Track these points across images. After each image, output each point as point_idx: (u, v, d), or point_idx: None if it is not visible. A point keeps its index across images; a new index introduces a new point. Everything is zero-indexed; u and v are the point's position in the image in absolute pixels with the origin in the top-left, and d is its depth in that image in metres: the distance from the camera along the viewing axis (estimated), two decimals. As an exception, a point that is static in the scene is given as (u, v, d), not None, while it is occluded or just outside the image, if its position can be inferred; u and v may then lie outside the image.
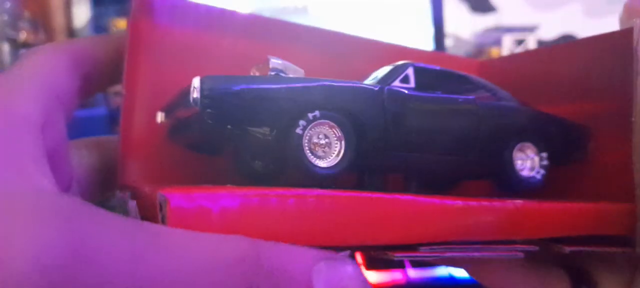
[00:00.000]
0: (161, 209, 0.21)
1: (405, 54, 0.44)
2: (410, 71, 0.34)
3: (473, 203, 0.28)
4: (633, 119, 0.33)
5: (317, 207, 0.24)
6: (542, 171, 0.37)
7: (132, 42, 0.33)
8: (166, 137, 0.35)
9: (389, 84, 0.33)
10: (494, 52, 1.79)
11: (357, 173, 0.34)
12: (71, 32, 1.82)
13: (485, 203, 0.29)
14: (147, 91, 0.35)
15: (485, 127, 0.34)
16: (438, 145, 0.33)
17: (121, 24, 1.65)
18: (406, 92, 0.33)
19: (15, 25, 1.70)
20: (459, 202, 0.28)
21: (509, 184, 0.36)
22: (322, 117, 0.29)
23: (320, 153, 0.30)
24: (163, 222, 0.21)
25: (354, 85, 0.32)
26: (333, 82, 0.31)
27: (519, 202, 0.31)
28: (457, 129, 0.34)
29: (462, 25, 1.96)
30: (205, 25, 0.37)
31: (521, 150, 0.37)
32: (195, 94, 0.27)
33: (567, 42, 0.39)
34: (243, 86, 0.28)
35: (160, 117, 0.33)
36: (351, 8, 1.56)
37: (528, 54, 0.46)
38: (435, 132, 0.33)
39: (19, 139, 0.22)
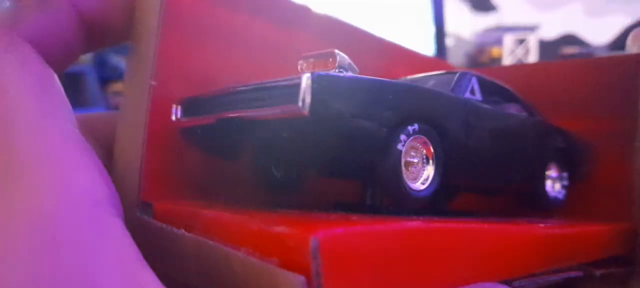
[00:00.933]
0: (314, 257, 0.18)
1: (407, 56, 0.44)
2: (474, 82, 0.33)
3: (556, 230, 0.29)
4: (637, 143, 0.34)
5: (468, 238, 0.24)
6: (564, 191, 0.37)
7: (167, 20, 0.28)
8: (184, 138, 0.29)
9: (463, 93, 0.32)
10: (495, 52, 1.78)
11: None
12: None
13: (557, 230, 0.29)
14: (181, 81, 0.30)
15: (531, 143, 0.34)
16: (496, 160, 0.33)
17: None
18: (479, 104, 0.32)
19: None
20: (548, 230, 0.28)
21: (539, 202, 0.36)
22: (419, 131, 0.27)
23: (412, 173, 0.27)
24: (317, 270, 0.18)
25: (443, 93, 0.29)
26: (422, 86, 0.29)
27: (572, 226, 0.31)
28: (512, 143, 0.33)
29: (463, 25, 1.96)
30: (238, 5, 0.33)
31: (549, 169, 0.37)
32: (305, 96, 0.23)
33: (572, 59, 0.39)
34: (354, 86, 0.25)
35: (177, 113, 0.28)
36: (352, 7, 1.56)
37: (523, 66, 0.46)
38: (498, 146, 0.32)
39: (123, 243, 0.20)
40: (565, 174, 0.37)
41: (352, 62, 0.26)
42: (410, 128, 0.26)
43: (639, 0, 1.95)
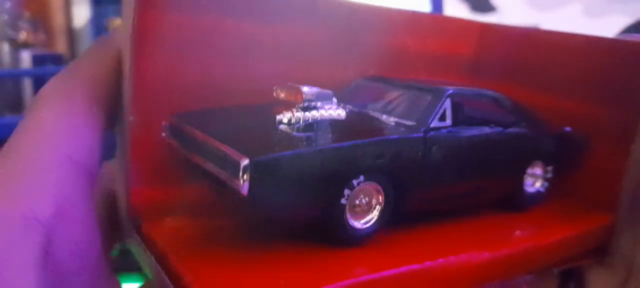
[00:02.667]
0: None
1: (402, 17, 0.40)
2: (447, 105, 0.32)
3: (502, 252, 0.29)
4: (634, 146, 0.33)
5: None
6: (547, 184, 0.37)
7: (140, 38, 0.27)
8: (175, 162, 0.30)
9: (428, 124, 0.31)
10: (494, 52, 1.79)
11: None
12: (71, 32, 1.82)
13: (506, 251, 0.30)
14: (161, 96, 0.30)
15: (509, 155, 0.35)
16: (464, 183, 0.33)
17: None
18: (446, 134, 0.31)
19: (15, 25, 1.70)
20: (496, 253, 0.29)
21: (516, 203, 0.36)
22: (366, 180, 0.27)
23: (359, 213, 0.28)
24: None
25: (399, 138, 0.29)
26: (375, 139, 0.28)
27: (531, 240, 0.32)
28: (487, 162, 0.34)
29: (462, 25, 1.96)
30: (205, 8, 0.32)
31: (531, 168, 0.37)
32: (244, 180, 0.24)
33: (580, 34, 0.38)
34: (287, 168, 0.25)
35: (167, 132, 0.29)
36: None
37: (536, 32, 0.43)
38: (468, 169, 0.32)
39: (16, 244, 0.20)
40: (550, 168, 0.37)
41: (323, 91, 0.27)
42: (355, 182, 0.27)
43: (639, 1, 1.95)
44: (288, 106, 0.27)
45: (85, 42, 1.77)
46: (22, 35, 1.71)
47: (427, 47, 0.40)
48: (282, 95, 0.28)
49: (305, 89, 0.27)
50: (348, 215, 0.27)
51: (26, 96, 1.59)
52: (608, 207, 0.34)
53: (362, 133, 0.29)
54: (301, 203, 0.26)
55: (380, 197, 0.28)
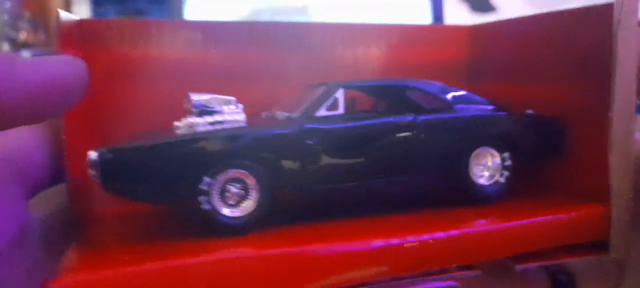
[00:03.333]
0: None
1: (383, 30, 0.41)
2: (339, 94, 0.32)
3: (411, 239, 0.27)
4: (610, 114, 0.30)
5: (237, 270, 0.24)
6: (507, 173, 0.34)
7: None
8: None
9: (313, 114, 0.31)
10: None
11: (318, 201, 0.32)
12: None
13: (426, 237, 0.28)
14: (91, 124, 0.33)
15: (427, 145, 0.32)
16: (370, 172, 0.31)
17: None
18: (327, 127, 0.30)
19: (15, 25, 1.70)
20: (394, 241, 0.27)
21: (468, 195, 0.33)
22: (234, 168, 0.28)
23: (232, 202, 0.29)
24: None
25: (266, 133, 0.30)
26: (238, 130, 0.29)
27: (475, 226, 0.29)
28: (390, 152, 0.32)
29: (462, 25, 1.96)
30: (137, 40, 0.35)
31: (480, 156, 0.34)
32: (97, 171, 0.27)
33: (553, 12, 0.35)
34: (133, 160, 0.27)
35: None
36: (351, 8, 1.57)
37: (523, 19, 0.40)
38: (363, 160, 0.31)
39: None
40: (506, 155, 0.34)
41: (219, 97, 0.30)
42: (214, 170, 0.28)
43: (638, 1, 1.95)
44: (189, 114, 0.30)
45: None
46: (22, 35, 1.72)
47: (399, 55, 0.41)
48: (187, 105, 0.30)
49: (194, 96, 0.29)
50: (217, 204, 0.28)
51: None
52: (593, 198, 0.32)
53: (238, 129, 0.29)
54: (157, 190, 0.28)
55: (252, 185, 0.29)
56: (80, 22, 0.33)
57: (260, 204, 0.29)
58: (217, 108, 0.30)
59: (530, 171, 0.37)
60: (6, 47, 1.72)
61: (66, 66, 0.24)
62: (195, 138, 0.28)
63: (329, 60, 0.38)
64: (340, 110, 0.32)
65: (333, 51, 0.39)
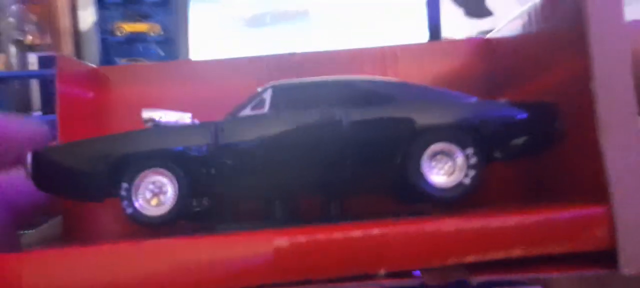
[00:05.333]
0: None
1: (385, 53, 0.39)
2: (267, 95, 0.31)
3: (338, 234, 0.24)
4: (591, 86, 0.25)
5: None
6: (473, 172, 0.29)
7: (64, 113, 0.34)
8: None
9: (237, 114, 0.31)
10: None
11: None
12: (77, 35, 1.85)
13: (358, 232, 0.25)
14: None
15: (358, 139, 0.30)
16: (290, 173, 0.30)
17: (126, 27, 1.68)
18: (241, 124, 0.30)
19: (21, 28, 1.73)
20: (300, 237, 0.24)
21: (422, 197, 0.29)
22: (152, 168, 0.29)
23: (153, 201, 0.29)
24: None
25: (180, 129, 0.31)
26: (152, 130, 0.30)
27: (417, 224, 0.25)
28: (316, 150, 0.29)
29: (458, 30, 1.99)
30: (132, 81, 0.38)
31: (436, 152, 0.29)
32: (30, 170, 0.29)
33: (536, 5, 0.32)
34: (56, 158, 0.29)
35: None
36: (350, 11, 1.59)
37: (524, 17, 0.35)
38: (284, 158, 0.30)
39: None
40: (469, 151, 0.29)
41: (173, 113, 0.31)
42: (135, 168, 0.29)
43: (637, 2, 1.98)
44: None
45: (91, 45, 1.81)
46: (29, 38, 1.74)
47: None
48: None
49: (145, 111, 0.31)
50: (137, 202, 0.29)
51: (33, 97, 1.62)
52: (587, 198, 0.26)
53: (155, 129, 0.31)
54: (79, 190, 0.30)
55: (172, 186, 0.30)
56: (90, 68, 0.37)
57: (180, 198, 0.30)
58: (166, 122, 0.31)
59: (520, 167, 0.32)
60: (14, 49, 1.74)
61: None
62: (112, 137, 0.30)
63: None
64: (265, 109, 0.31)
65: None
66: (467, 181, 0.29)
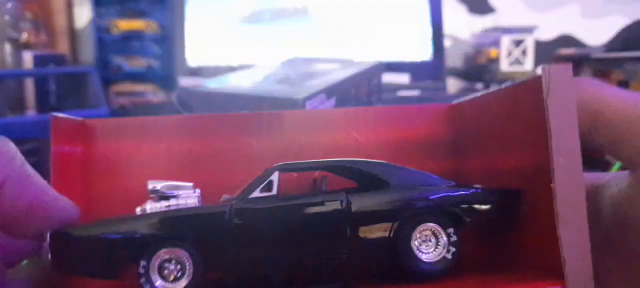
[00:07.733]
0: None
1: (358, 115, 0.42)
2: (275, 177, 0.33)
3: None
4: (553, 185, 0.29)
5: None
6: (453, 249, 0.33)
7: (58, 168, 0.35)
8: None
9: (247, 196, 0.33)
10: (493, 53, 1.80)
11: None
12: (73, 33, 1.83)
13: None
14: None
15: (357, 223, 0.33)
16: (297, 251, 0.32)
17: (122, 24, 1.66)
18: (252, 207, 0.32)
19: (17, 26, 1.71)
20: None
21: (413, 275, 0.33)
22: (170, 248, 0.31)
23: (172, 279, 0.31)
24: None
25: (196, 212, 0.32)
26: (169, 212, 0.32)
27: None
28: (319, 231, 0.32)
29: (461, 27, 1.97)
30: (129, 136, 0.39)
31: (423, 232, 0.33)
32: (49, 254, 0.30)
33: (499, 89, 0.36)
34: (78, 242, 0.30)
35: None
36: (351, 9, 1.58)
37: (487, 96, 0.39)
38: (291, 239, 0.32)
39: None
40: (451, 230, 0.33)
41: (178, 184, 0.33)
42: (153, 249, 0.31)
43: (637, 1, 1.97)
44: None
45: (87, 43, 1.79)
46: (25, 36, 1.73)
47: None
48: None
49: (150, 183, 0.32)
50: (155, 280, 0.31)
51: (28, 96, 1.60)
52: (546, 275, 0.29)
53: (182, 210, 0.32)
54: (98, 269, 0.31)
55: (189, 264, 0.31)
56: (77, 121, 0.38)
57: (193, 279, 0.31)
58: (171, 193, 0.33)
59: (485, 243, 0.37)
60: (9, 48, 1.73)
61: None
62: (138, 220, 0.31)
63: (305, 146, 0.40)
64: (274, 191, 0.33)
65: (309, 137, 0.41)
66: (449, 256, 0.33)
